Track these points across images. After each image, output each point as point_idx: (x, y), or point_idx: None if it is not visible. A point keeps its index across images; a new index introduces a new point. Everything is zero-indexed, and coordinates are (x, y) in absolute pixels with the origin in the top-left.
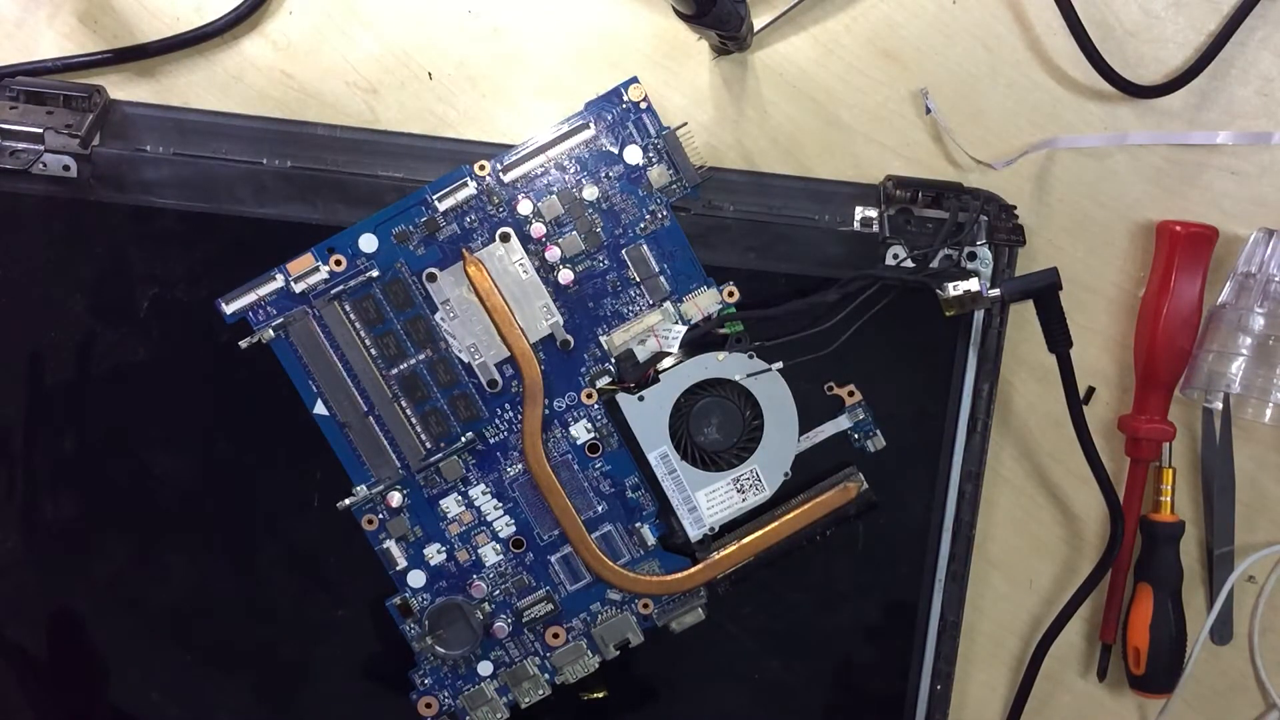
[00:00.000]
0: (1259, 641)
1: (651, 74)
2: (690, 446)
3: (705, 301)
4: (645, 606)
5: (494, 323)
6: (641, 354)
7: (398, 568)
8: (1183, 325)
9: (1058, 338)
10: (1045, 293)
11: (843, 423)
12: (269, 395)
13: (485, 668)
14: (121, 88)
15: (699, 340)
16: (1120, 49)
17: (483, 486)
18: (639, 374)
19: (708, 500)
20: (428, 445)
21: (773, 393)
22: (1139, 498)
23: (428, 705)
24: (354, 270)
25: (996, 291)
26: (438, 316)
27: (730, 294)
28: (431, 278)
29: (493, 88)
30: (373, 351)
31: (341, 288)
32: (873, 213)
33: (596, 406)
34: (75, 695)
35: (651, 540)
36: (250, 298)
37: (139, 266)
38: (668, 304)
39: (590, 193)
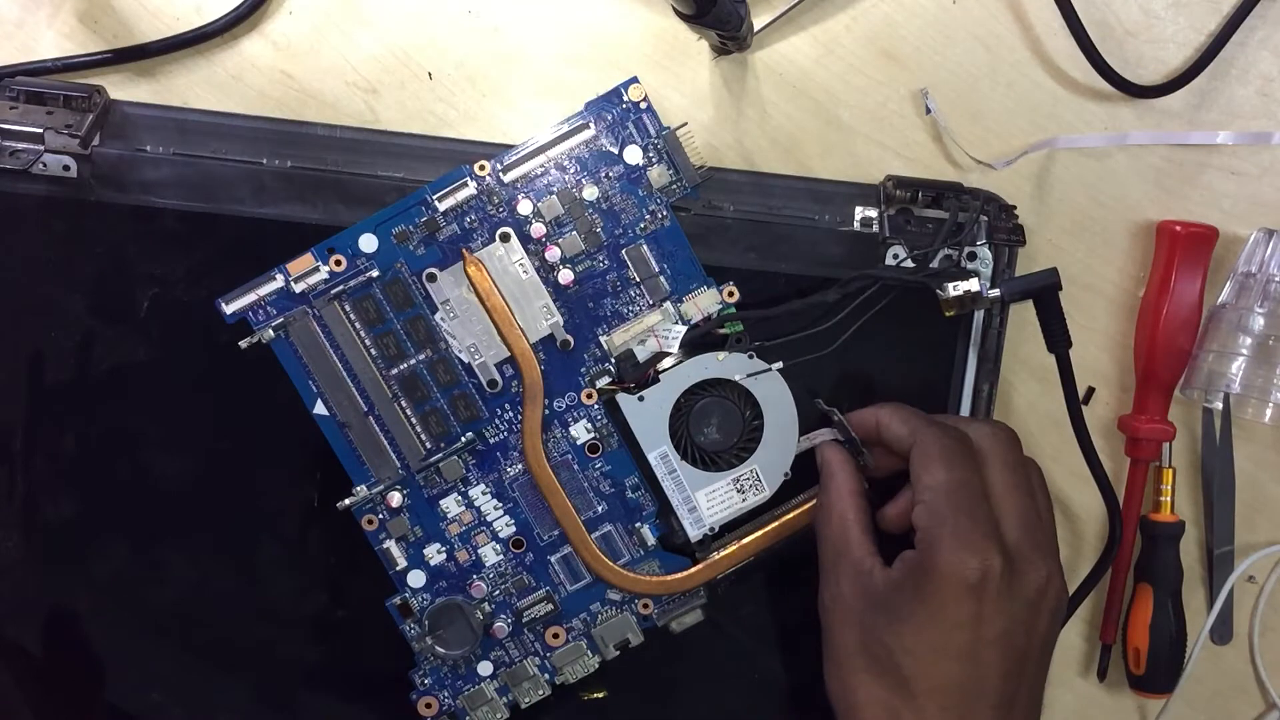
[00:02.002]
0: (1259, 641)
1: (651, 74)
2: (690, 446)
3: (705, 301)
4: (645, 606)
5: (494, 323)
6: (641, 354)
7: (398, 568)
8: (1183, 325)
9: (1058, 338)
10: (1045, 293)
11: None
12: (269, 395)
13: (485, 668)
14: (121, 88)
15: (699, 340)
16: (1120, 49)
17: (483, 486)
18: (639, 374)
19: (708, 500)
20: (428, 445)
21: (773, 393)
22: (1139, 498)
23: (428, 705)
24: (354, 270)
25: (996, 291)
26: (438, 316)
27: (730, 294)
28: (431, 278)
29: (493, 88)
30: (373, 351)
31: (341, 288)
32: (873, 213)
33: (596, 406)
34: (75, 695)
35: (651, 540)
36: (250, 298)
37: (139, 266)
38: (668, 304)
39: (590, 193)
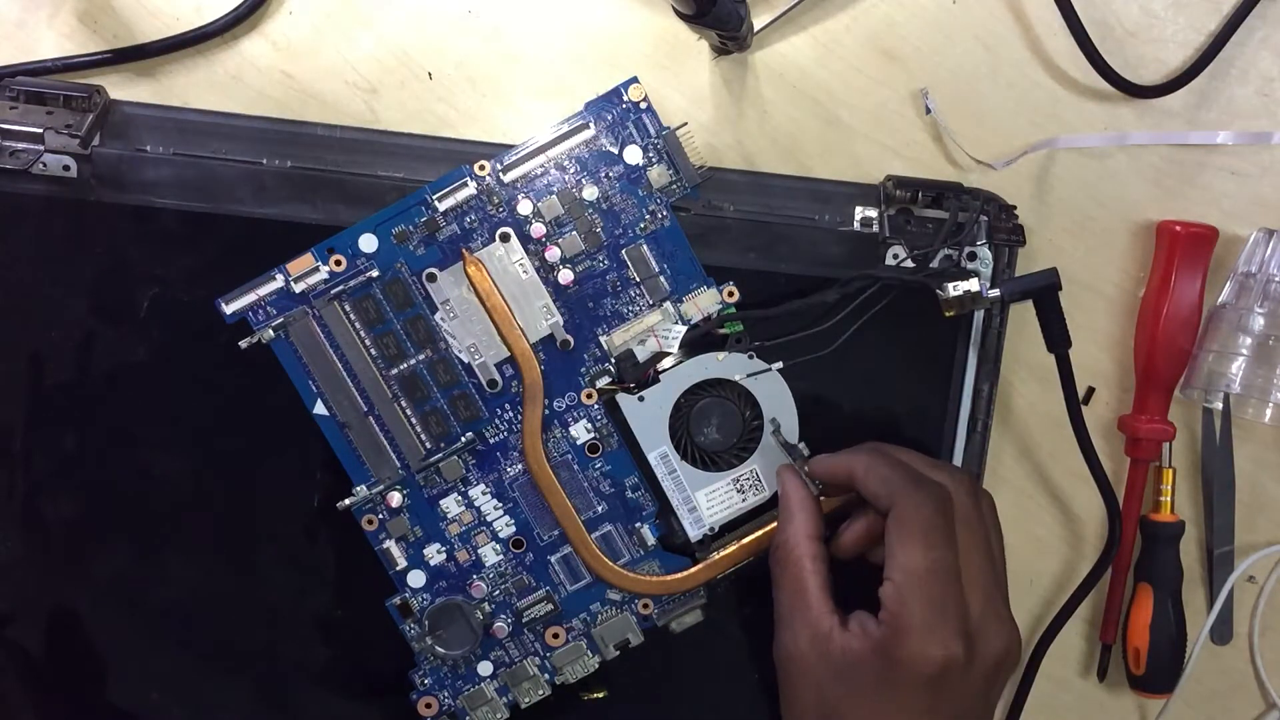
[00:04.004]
0: (1259, 641)
1: (651, 74)
2: (690, 446)
3: (705, 301)
4: (645, 606)
5: (494, 323)
6: (641, 354)
7: (398, 568)
8: (1183, 325)
9: (1057, 338)
10: (1045, 293)
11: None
12: (269, 395)
13: (485, 668)
14: (121, 88)
15: (699, 340)
16: (1120, 49)
17: (483, 486)
18: (639, 374)
19: (708, 500)
20: (428, 445)
21: (773, 393)
22: (1139, 498)
23: (428, 705)
24: (354, 270)
25: (996, 291)
26: (438, 316)
27: (730, 294)
28: (431, 278)
29: (493, 88)
30: (373, 351)
31: (341, 288)
32: (873, 213)
33: (596, 406)
34: (75, 695)
35: (651, 540)
36: (250, 298)
37: (139, 266)
38: (668, 304)
39: (590, 193)
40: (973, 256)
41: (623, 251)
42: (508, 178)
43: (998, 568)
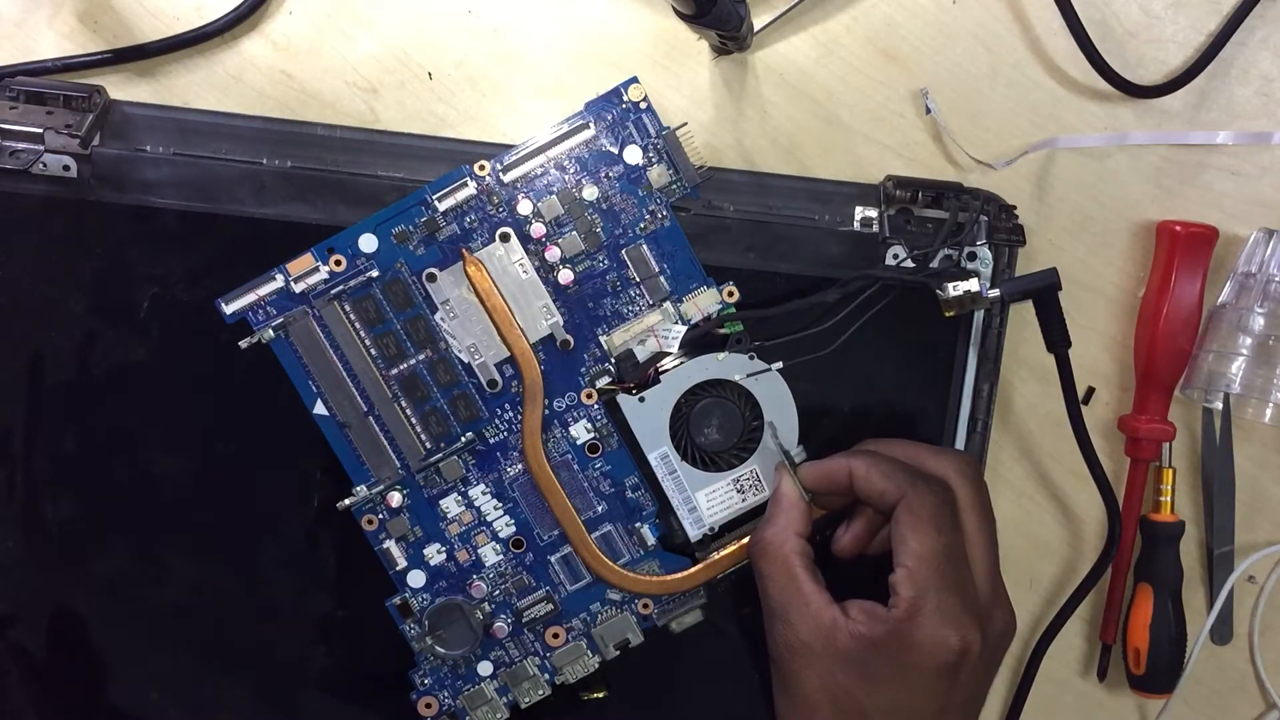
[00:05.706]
0: (1259, 641)
1: (651, 74)
2: (690, 447)
3: (705, 301)
4: (645, 606)
5: (494, 323)
6: (641, 354)
7: (398, 568)
8: (1183, 325)
9: (1057, 338)
10: (1045, 293)
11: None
12: (269, 395)
13: (485, 668)
14: (121, 88)
15: (699, 340)
16: (1120, 49)
17: (483, 486)
18: (639, 374)
19: (708, 500)
20: (428, 445)
21: (773, 393)
22: (1139, 498)
23: (428, 705)
24: (354, 270)
25: (996, 291)
26: (438, 316)
27: (730, 294)
28: (431, 278)
29: (493, 88)
30: (373, 351)
31: (341, 288)
32: (873, 213)
33: (596, 407)
34: (75, 695)
35: (651, 540)
36: (250, 298)
37: (139, 266)
38: (668, 304)
39: (590, 193)
40: (973, 256)
41: (623, 251)
42: (508, 178)
43: (996, 550)
